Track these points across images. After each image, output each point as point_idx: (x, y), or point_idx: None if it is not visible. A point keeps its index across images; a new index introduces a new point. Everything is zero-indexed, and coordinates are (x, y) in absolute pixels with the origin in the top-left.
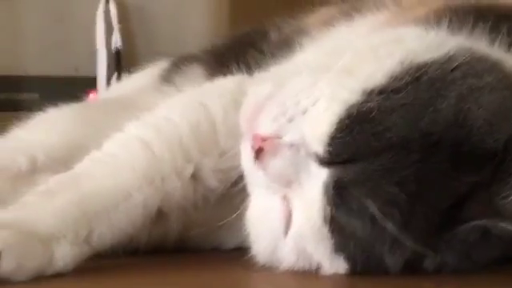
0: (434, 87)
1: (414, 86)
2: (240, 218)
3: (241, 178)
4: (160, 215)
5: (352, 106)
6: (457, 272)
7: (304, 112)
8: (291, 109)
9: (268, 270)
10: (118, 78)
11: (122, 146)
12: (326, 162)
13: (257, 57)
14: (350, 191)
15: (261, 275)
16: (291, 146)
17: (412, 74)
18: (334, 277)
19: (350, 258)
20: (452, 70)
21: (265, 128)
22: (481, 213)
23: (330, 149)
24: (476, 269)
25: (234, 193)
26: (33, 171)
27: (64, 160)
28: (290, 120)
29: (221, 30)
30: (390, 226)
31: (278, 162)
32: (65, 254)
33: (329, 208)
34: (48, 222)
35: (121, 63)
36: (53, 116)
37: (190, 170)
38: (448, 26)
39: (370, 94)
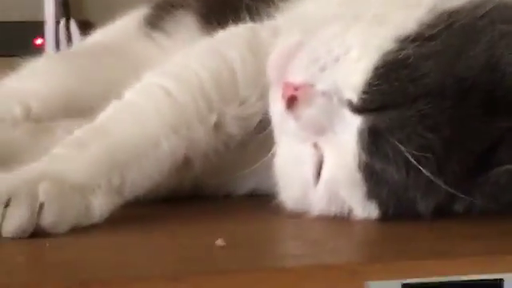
0: (465, 34)
1: (446, 33)
2: (246, 163)
3: (259, 125)
4: (185, 162)
5: (386, 54)
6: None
7: (337, 60)
8: (323, 57)
9: (297, 215)
10: (67, 23)
11: (146, 94)
12: (360, 109)
13: (251, 4)
14: (385, 137)
15: (290, 220)
16: (324, 94)
17: (443, 21)
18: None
19: (382, 204)
20: (481, 17)
21: (297, 76)
22: None
23: (365, 96)
24: (502, 210)
25: (253, 139)
26: (27, 120)
27: (57, 108)
28: (323, 68)
29: None
30: (424, 171)
31: (311, 111)
32: (100, 204)
33: (363, 154)
34: (82, 172)
35: (69, 7)
36: (43, 64)
37: (213, 117)
38: None
39: (403, 42)
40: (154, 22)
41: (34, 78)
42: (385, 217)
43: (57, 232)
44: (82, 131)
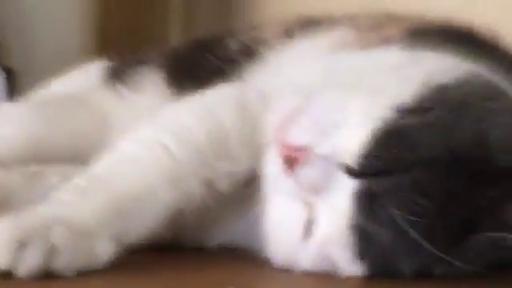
0: (455, 109)
1: (440, 107)
2: (233, 217)
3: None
4: (179, 214)
5: (385, 123)
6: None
7: (337, 126)
8: (324, 122)
9: (280, 270)
10: None
11: (145, 147)
12: (357, 173)
13: (217, 64)
14: (379, 201)
15: (276, 275)
16: (323, 157)
17: (436, 95)
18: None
19: (370, 263)
20: (469, 94)
21: (297, 138)
22: (494, 225)
23: (363, 162)
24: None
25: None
26: None
27: (25, 156)
28: (323, 133)
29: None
30: (414, 235)
31: (309, 172)
32: (105, 251)
33: (357, 216)
34: (89, 219)
35: None
36: (10, 112)
37: (207, 173)
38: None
39: (401, 112)
40: (118, 75)
41: (2, 124)
42: (371, 275)
43: (66, 275)
44: (82, 179)
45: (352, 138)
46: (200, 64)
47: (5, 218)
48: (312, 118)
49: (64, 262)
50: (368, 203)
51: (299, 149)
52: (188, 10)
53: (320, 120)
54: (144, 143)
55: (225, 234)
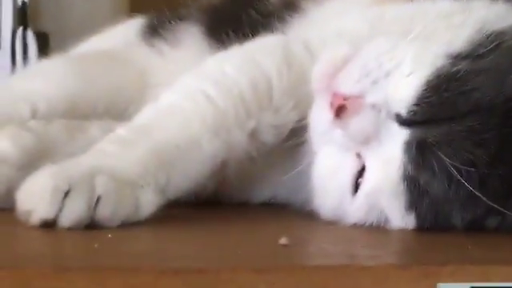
0: (510, 55)
1: (495, 53)
2: (277, 172)
3: (291, 134)
4: (222, 166)
5: (438, 69)
6: None
7: (388, 74)
8: (374, 71)
9: (332, 223)
10: (24, 33)
11: (186, 97)
12: (409, 122)
13: (257, 18)
14: (432, 150)
15: (326, 227)
16: (373, 106)
17: (491, 42)
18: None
19: (420, 215)
20: None
21: (347, 87)
22: None
23: (415, 109)
24: None
25: (283, 147)
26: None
27: (63, 111)
28: (374, 82)
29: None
30: (467, 185)
31: (360, 121)
32: (149, 202)
33: (408, 166)
34: (132, 170)
35: (27, 17)
36: (48, 67)
37: (251, 123)
38: None
39: (454, 58)
40: (157, 31)
41: (41, 80)
42: (420, 228)
43: (109, 226)
44: (125, 130)
45: (404, 85)
46: (240, 19)
47: (48, 168)
48: (362, 67)
49: (108, 212)
50: (420, 153)
51: (349, 97)
52: None
53: (370, 69)
54: (186, 93)
55: (271, 188)
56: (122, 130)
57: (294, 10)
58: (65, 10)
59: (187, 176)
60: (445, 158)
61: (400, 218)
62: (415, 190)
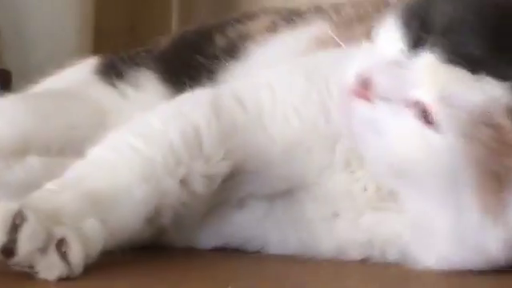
0: None
1: None
2: (221, 218)
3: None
4: (156, 213)
5: None
6: None
7: None
8: None
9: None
10: None
11: (113, 150)
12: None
13: (205, 63)
14: None
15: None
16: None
17: None
18: None
19: None
20: None
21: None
22: None
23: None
24: None
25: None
26: None
27: (15, 148)
28: None
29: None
30: None
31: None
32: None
33: None
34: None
35: None
36: (3, 105)
37: (182, 171)
38: None
39: None
40: (118, 72)
41: None
42: None
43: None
44: (53, 184)
45: None
46: (190, 64)
47: None
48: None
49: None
50: None
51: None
52: (186, 8)
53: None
54: (112, 147)
55: (216, 234)
56: (49, 185)
57: (239, 54)
58: (28, 48)
59: (120, 223)
60: None
61: None
62: None
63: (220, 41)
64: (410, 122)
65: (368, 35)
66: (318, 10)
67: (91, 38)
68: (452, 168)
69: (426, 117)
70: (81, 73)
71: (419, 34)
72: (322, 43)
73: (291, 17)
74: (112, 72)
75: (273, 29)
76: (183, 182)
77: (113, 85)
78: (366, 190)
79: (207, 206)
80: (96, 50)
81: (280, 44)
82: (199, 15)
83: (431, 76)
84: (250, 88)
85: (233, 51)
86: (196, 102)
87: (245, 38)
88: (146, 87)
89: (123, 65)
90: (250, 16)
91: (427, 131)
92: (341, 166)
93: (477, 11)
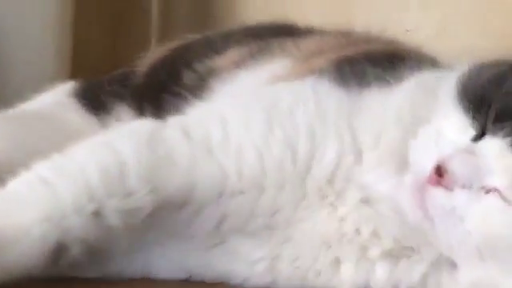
0: None
1: None
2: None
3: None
4: (59, 248)
5: None
6: None
7: None
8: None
9: None
10: None
11: (28, 185)
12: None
13: (173, 101)
14: None
15: None
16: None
17: None
18: None
19: None
20: None
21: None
22: None
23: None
24: None
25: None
26: None
27: None
28: None
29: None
30: None
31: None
32: None
33: None
34: None
35: None
36: None
37: (92, 207)
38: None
39: None
40: (97, 99)
41: None
42: None
43: None
44: None
45: None
46: (158, 102)
47: None
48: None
49: None
50: None
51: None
52: (166, 33)
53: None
54: (29, 182)
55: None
56: None
57: (202, 91)
58: (7, 73)
59: (15, 261)
60: None
61: None
62: None
63: (187, 77)
64: (493, 204)
65: (325, 66)
66: (281, 47)
67: (69, 62)
68: None
69: (505, 200)
70: (57, 96)
71: (486, 120)
72: (281, 80)
73: (257, 53)
74: (88, 98)
75: (239, 65)
76: (96, 217)
77: (88, 110)
78: (359, 233)
79: (140, 237)
80: (75, 73)
81: (241, 82)
82: (178, 31)
83: (503, 164)
84: (199, 120)
85: (198, 89)
86: (132, 132)
87: (211, 73)
88: (122, 117)
89: (100, 92)
90: (219, 50)
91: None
92: (316, 199)
93: None
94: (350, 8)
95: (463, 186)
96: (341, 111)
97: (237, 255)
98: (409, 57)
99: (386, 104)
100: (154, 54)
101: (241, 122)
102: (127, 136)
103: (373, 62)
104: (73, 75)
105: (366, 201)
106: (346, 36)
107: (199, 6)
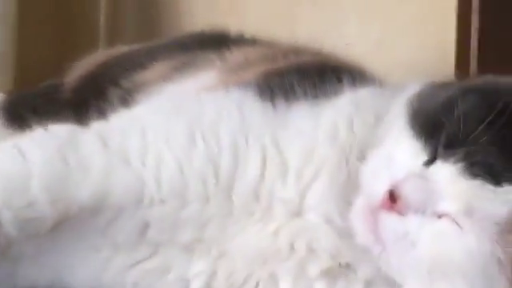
0: None
1: None
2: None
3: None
4: None
5: None
6: None
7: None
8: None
9: None
10: None
11: None
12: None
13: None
14: None
15: None
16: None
17: None
18: None
19: None
20: None
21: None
22: None
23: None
24: None
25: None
26: None
27: None
28: None
29: None
30: None
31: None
32: None
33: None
34: None
35: None
36: None
37: None
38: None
39: None
40: (12, 111)
41: None
42: None
43: None
44: None
45: None
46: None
47: None
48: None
49: None
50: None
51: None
52: (113, 42)
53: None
54: None
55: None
56: None
57: (129, 105)
58: None
59: None
60: None
61: None
62: None
63: (114, 93)
64: (445, 229)
65: (253, 79)
66: (208, 59)
67: (12, 76)
68: (486, 270)
69: (456, 224)
70: None
71: (437, 145)
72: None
73: (183, 65)
74: (11, 113)
75: (166, 78)
76: None
77: (9, 125)
78: (294, 248)
79: (50, 246)
80: (18, 83)
81: (168, 95)
82: (126, 41)
83: (454, 190)
84: (119, 128)
85: (124, 104)
86: (46, 138)
87: (138, 88)
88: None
89: (22, 106)
90: (145, 64)
91: (463, 235)
92: (243, 215)
93: (493, 122)
94: (292, 21)
95: (416, 211)
96: (265, 126)
97: (170, 270)
98: (341, 70)
99: (316, 120)
100: (83, 64)
101: (162, 132)
102: (39, 142)
103: (302, 76)
104: (16, 85)
105: (296, 214)
106: (275, 47)
107: (146, 15)
